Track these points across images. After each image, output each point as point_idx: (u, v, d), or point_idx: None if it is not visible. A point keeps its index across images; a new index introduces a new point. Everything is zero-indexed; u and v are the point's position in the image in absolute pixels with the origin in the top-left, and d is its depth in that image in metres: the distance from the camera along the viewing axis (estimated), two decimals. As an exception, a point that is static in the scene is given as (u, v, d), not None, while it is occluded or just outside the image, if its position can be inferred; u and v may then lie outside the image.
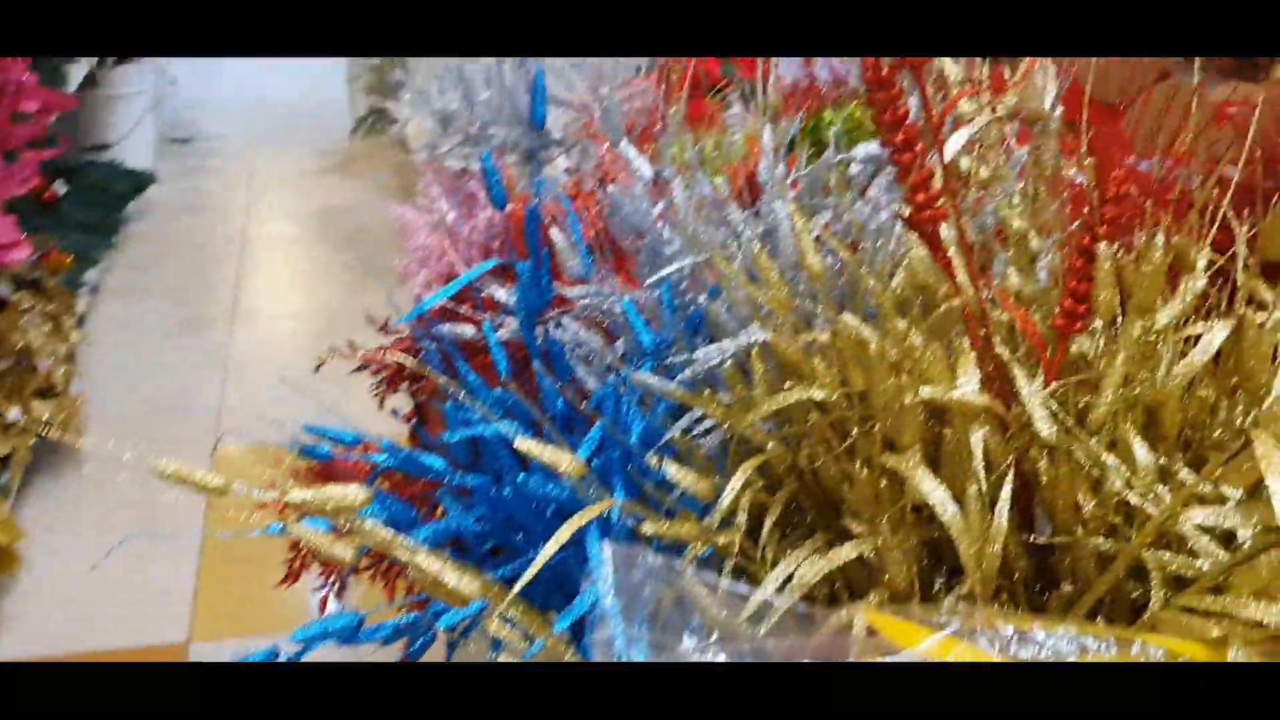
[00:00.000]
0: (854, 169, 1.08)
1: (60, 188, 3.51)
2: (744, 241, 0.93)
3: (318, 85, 5.57)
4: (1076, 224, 0.84)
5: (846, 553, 0.80)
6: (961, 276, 0.80)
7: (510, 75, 2.54)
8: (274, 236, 3.94)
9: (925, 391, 0.76)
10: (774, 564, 0.86)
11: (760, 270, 0.88)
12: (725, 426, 0.96)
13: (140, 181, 4.03)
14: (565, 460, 0.81)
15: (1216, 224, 0.90)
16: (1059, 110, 0.90)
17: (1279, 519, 0.62)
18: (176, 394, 2.70)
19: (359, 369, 1.42)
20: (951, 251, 0.80)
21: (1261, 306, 0.91)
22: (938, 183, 0.77)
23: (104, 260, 3.46)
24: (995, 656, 0.68)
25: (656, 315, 1.05)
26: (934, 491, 0.74)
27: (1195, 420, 0.85)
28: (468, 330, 1.25)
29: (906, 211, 0.78)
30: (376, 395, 1.51)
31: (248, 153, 4.82)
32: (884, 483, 0.82)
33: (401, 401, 1.52)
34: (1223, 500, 0.73)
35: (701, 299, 0.97)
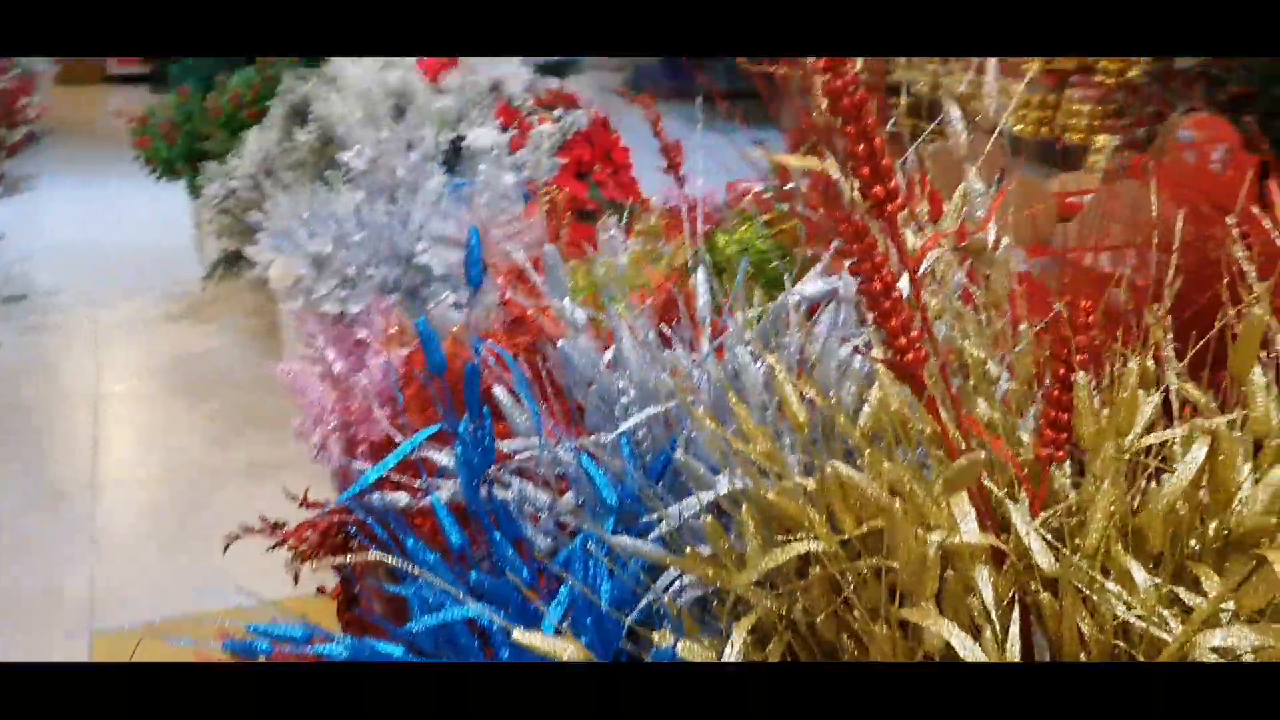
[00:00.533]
0: (794, 301, 1.09)
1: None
2: (711, 386, 0.91)
3: (151, 230, 5.39)
4: (1048, 354, 0.85)
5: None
6: (945, 414, 0.81)
7: (383, 213, 2.51)
8: (127, 393, 3.74)
9: (934, 538, 0.75)
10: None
11: (738, 420, 0.86)
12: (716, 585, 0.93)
13: (-24, 347, 3.78)
14: (567, 650, 0.76)
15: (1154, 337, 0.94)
16: (1006, 241, 0.93)
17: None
18: (45, 576, 2.50)
19: (278, 545, 1.34)
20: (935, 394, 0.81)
21: (1197, 411, 0.94)
22: (915, 327, 0.78)
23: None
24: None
25: (615, 467, 1.02)
26: (958, 639, 0.73)
27: (1173, 536, 0.86)
28: (402, 498, 1.20)
29: (888, 355, 0.78)
30: (291, 571, 1.42)
31: (88, 305, 4.60)
32: (887, 631, 0.80)
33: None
34: (1229, 621, 0.74)
35: (679, 454, 0.94)
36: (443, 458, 1.15)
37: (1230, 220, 0.92)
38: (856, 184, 0.74)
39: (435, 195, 2.58)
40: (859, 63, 0.71)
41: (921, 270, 0.89)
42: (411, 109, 3.08)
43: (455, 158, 3.16)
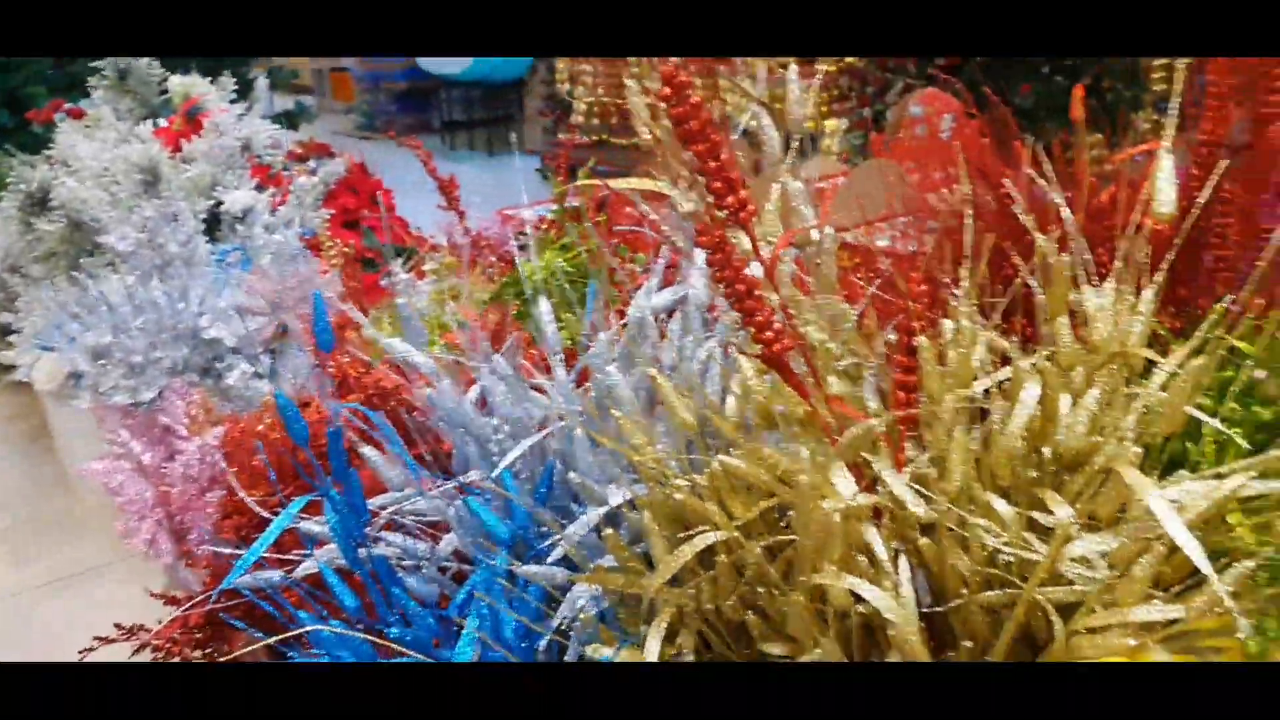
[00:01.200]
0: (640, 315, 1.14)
1: None
2: (567, 411, 0.95)
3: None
4: (878, 326, 0.94)
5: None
6: (815, 396, 0.88)
7: (159, 293, 2.40)
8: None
9: (827, 504, 0.82)
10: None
11: (628, 434, 0.91)
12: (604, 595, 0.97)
13: None
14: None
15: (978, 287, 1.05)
16: (829, 230, 1.01)
17: (1170, 529, 0.73)
18: None
19: (141, 648, 1.27)
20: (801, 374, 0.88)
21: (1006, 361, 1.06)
22: (778, 321, 0.85)
23: None
24: None
25: (499, 503, 1.05)
26: (871, 593, 0.80)
27: (1015, 468, 0.97)
28: (274, 575, 1.17)
29: (756, 349, 0.85)
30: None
31: None
32: (797, 597, 0.86)
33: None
34: (1090, 530, 0.85)
35: (572, 475, 0.98)
36: (313, 526, 1.14)
37: (1009, 184, 1.04)
38: (709, 197, 0.80)
39: (208, 265, 2.49)
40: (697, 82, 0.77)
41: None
42: (161, 183, 2.95)
43: (215, 225, 3.05)
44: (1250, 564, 0.78)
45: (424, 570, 1.13)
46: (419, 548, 1.13)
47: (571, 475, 0.95)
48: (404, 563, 1.13)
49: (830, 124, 5.81)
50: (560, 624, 0.97)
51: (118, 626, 1.30)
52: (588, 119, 6.94)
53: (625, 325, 1.03)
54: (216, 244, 2.92)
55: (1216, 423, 0.90)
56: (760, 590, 0.89)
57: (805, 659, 0.84)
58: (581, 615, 0.93)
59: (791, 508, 0.82)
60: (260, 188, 3.19)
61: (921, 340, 0.88)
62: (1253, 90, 1.24)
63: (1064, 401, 0.96)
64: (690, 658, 0.92)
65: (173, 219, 2.58)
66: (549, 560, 0.98)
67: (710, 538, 0.85)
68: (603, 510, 0.94)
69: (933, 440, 0.93)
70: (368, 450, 1.07)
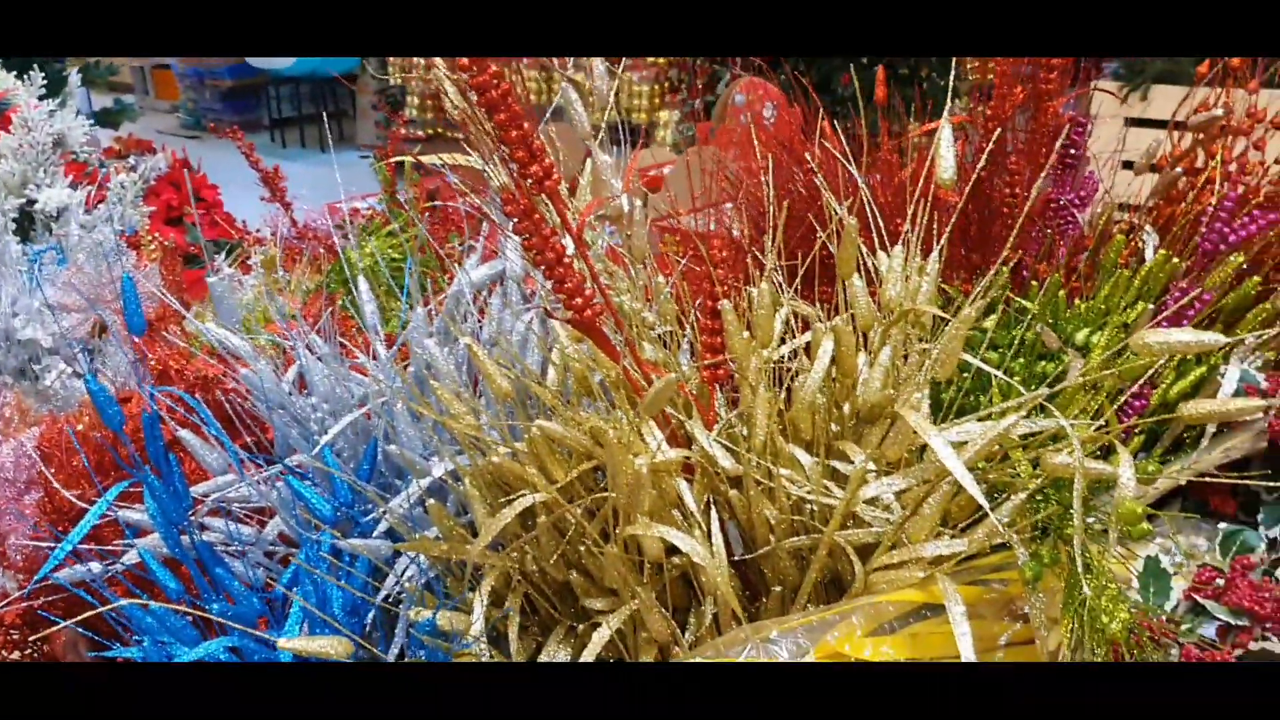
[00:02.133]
0: (458, 290, 1.15)
1: None
2: (387, 387, 0.97)
3: None
4: (701, 299, 0.99)
5: (615, 622, 0.87)
6: (627, 360, 0.92)
7: (-37, 296, 2.28)
8: None
9: (639, 461, 0.86)
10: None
11: (446, 403, 0.93)
12: (432, 563, 0.99)
13: None
14: (331, 646, 0.80)
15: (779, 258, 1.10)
16: (639, 203, 1.05)
17: (951, 467, 0.79)
18: None
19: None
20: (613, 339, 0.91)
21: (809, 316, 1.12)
22: (589, 287, 0.88)
23: None
24: (785, 658, 0.79)
25: (322, 483, 1.05)
26: (683, 540, 0.84)
27: (818, 423, 1.03)
28: (94, 567, 1.14)
29: (567, 316, 0.88)
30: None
31: None
32: (614, 550, 0.90)
33: None
34: (887, 472, 0.91)
35: (392, 448, 0.99)
36: (134, 514, 1.12)
37: (810, 158, 1.10)
38: (514, 167, 0.82)
39: (19, 266, 2.38)
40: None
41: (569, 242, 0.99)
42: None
43: (29, 224, 2.91)
44: (1022, 496, 0.85)
45: (249, 555, 1.12)
46: (244, 533, 1.12)
47: (390, 448, 0.96)
48: (230, 548, 1.13)
49: (663, 115, 5.93)
50: (388, 595, 0.99)
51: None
52: (420, 113, 6.88)
53: (443, 301, 1.05)
54: (28, 244, 2.79)
55: (988, 367, 0.97)
56: (581, 549, 0.92)
57: (624, 610, 0.88)
58: (408, 584, 0.94)
59: (606, 468, 0.85)
60: (75, 185, 3.06)
61: (724, 304, 0.93)
62: (1033, 75, 1.34)
63: (861, 359, 1.02)
64: (516, 621, 0.95)
65: (-21, 219, 2.46)
66: (374, 535, 0.99)
67: (529, 500, 0.88)
68: (425, 482, 0.96)
69: (742, 400, 0.98)
70: (185, 433, 1.06)
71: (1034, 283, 1.33)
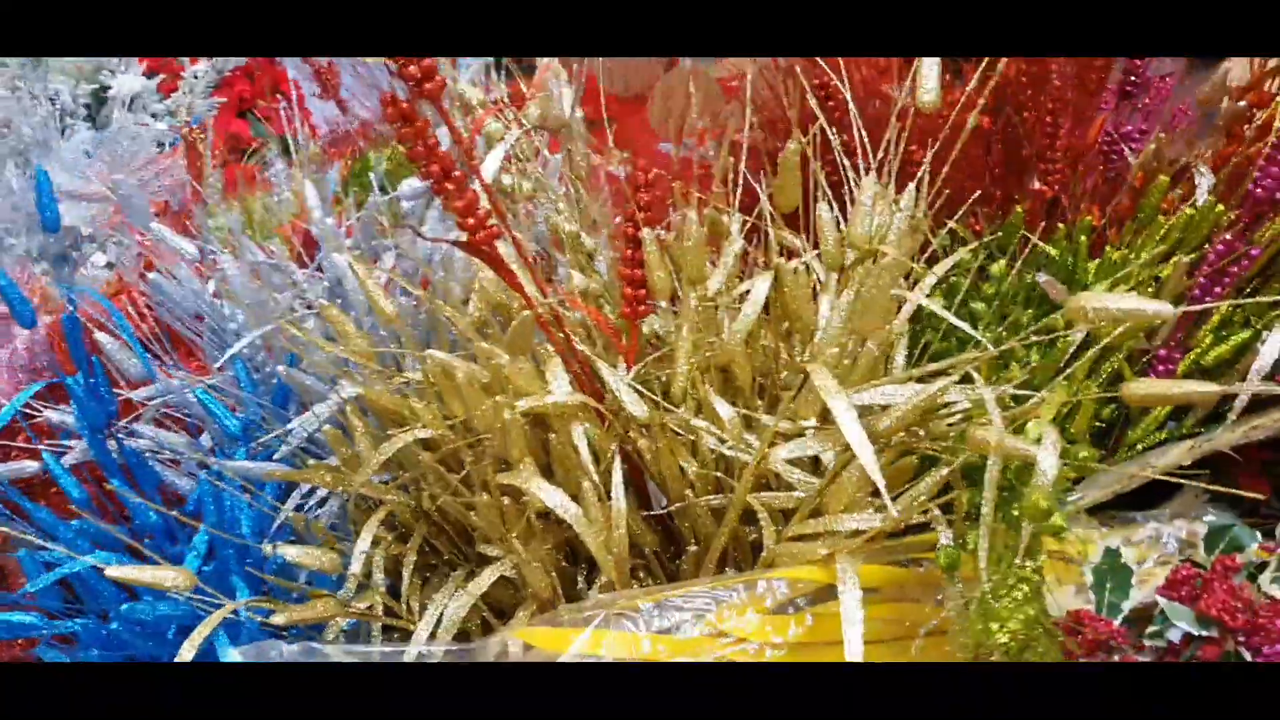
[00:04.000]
0: (406, 205, 1.08)
1: None
2: (312, 301, 0.90)
3: None
4: (620, 218, 0.89)
5: (486, 578, 0.80)
6: (530, 289, 0.83)
7: (17, 180, 2.31)
8: None
9: (522, 404, 0.78)
10: (422, 612, 0.85)
11: (335, 325, 0.86)
12: (340, 492, 0.93)
13: None
14: (169, 577, 0.75)
15: (740, 188, 0.99)
16: (579, 113, 0.95)
17: (848, 435, 0.69)
18: None
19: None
20: (515, 267, 0.82)
21: (793, 254, 1.01)
22: (484, 205, 0.79)
23: None
24: (644, 634, 0.71)
25: (237, 398, 1.00)
26: (550, 495, 0.76)
27: (764, 369, 0.93)
28: (29, 466, 1.12)
29: (463, 237, 0.80)
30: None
31: None
32: (506, 501, 0.83)
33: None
34: (801, 433, 0.81)
35: (281, 369, 0.93)
36: (66, 416, 1.09)
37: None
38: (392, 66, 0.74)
39: (77, 151, 2.39)
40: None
41: (500, 154, 0.90)
42: (37, 62, 2.82)
43: (100, 109, 2.93)
44: (944, 471, 0.75)
45: (182, 465, 1.09)
46: (174, 441, 1.08)
47: (282, 369, 0.90)
48: (161, 456, 1.09)
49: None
50: (289, 522, 0.94)
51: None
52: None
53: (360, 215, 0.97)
54: (101, 131, 2.82)
55: (960, 322, 0.85)
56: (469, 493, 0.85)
57: (503, 564, 0.81)
58: (295, 516, 0.89)
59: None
60: (149, 73, 3.07)
61: (646, 233, 0.83)
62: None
63: (824, 304, 0.91)
64: (413, 558, 0.89)
65: (50, 101, 2.47)
66: (275, 457, 0.93)
67: (409, 436, 0.81)
68: (321, 408, 0.89)
69: (667, 340, 0.89)
70: (101, 336, 1.02)
71: (1060, 225, 1.19)
